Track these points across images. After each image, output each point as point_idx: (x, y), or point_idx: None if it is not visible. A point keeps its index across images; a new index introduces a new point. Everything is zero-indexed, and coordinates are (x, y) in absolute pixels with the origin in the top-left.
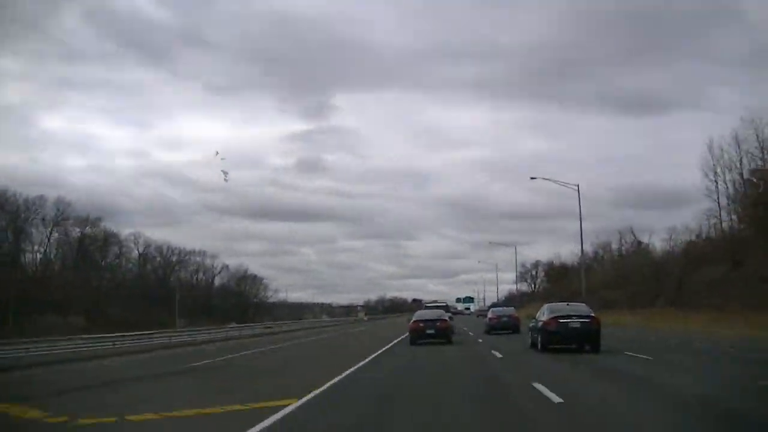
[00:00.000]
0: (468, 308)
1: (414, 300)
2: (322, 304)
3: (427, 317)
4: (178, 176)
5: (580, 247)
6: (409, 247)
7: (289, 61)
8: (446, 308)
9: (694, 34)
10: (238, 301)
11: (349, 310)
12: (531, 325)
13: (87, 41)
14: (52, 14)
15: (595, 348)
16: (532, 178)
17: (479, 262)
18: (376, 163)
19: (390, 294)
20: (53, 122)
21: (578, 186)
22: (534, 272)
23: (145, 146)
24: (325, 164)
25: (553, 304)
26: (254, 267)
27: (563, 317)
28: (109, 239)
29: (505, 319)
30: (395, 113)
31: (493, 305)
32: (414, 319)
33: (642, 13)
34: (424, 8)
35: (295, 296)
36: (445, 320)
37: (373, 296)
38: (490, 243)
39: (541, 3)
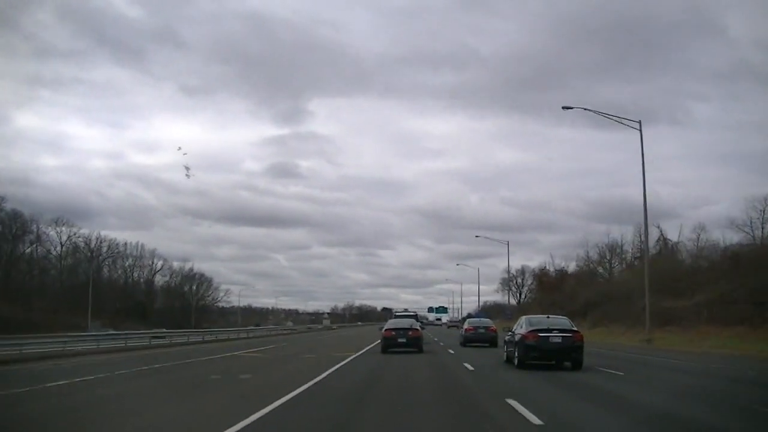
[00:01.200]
0: (439, 319)
1: (384, 309)
2: (289, 310)
3: (400, 326)
4: (152, 179)
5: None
6: (382, 256)
7: (264, 63)
8: (416, 317)
9: (673, 48)
10: (181, 303)
11: (314, 317)
12: (507, 338)
13: (60, 38)
14: (25, 9)
15: (577, 365)
16: (565, 108)
17: (458, 264)
18: (351, 171)
19: (360, 302)
20: (24, 120)
21: (640, 122)
22: (520, 280)
23: (118, 147)
24: (300, 170)
25: (532, 316)
26: (226, 271)
27: (543, 330)
28: (25, 226)
29: (481, 330)
30: (371, 120)
31: (468, 316)
32: (386, 327)
33: (621, 25)
34: (401, 14)
35: (268, 302)
36: (417, 329)
37: (343, 304)
38: (477, 237)
39: (519, 12)
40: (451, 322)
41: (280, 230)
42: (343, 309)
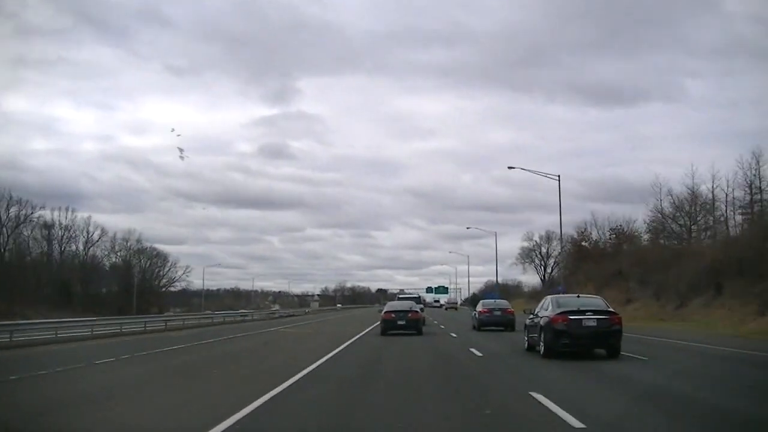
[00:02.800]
0: (437, 300)
1: (379, 290)
2: (278, 292)
3: (399, 308)
4: (142, 161)
5: None
6: (376, 237)
7: (251, 41)
8: (417, 300)
9: (668, 23)
10: (125, 284)
11: (302, 299)
12: (528, 322)
13: (42, 16)
14: None
15: (614, 353)
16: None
17: (468, 228)
18: (343, 151)
19: (353, 283)
20: (10, 102)
21: None
22: (545, 249)
23: (108, 129)
24: (291, 151)
25: (560, 296)
26: (220, 254)
27: (574, 312)
28: None
29: (497, 313)
30: (361, 99)
31: (474, 297)
32: (386, 309)
33: (615, 1)
34: None
35: (263, 284)
36: (416, 312)
37: (334, 285)
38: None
39: None
40: (448, 303)
41: (274, 212)
42: (335, 290)
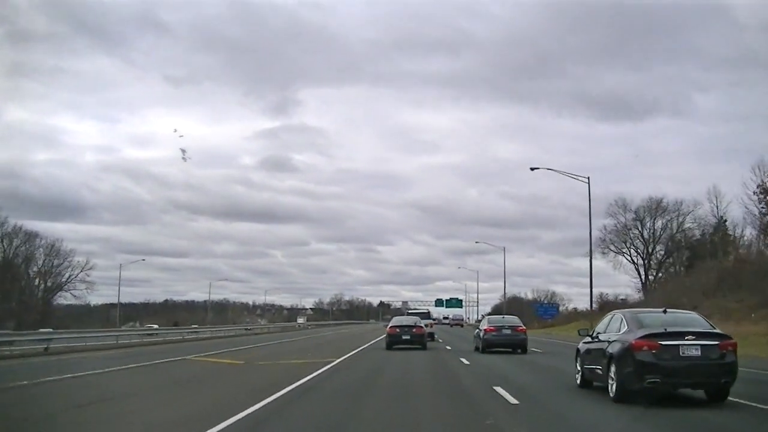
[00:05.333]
0: (447, 317)
1: (381, 303)
2: (265, 304)
3: (404, 323)
4: (144, 173)
5: None
6: (382, 251)
7: (250, 50)
8: (427, 315)
9: (678, 33)
10: None
11: (292, 312)
12: (583, 346)
13: (37, 23)
14: None
15: (722, 395)
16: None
17: (477, 242)
18: (346, 164)
19: (352, 295)
20: (7, 112)
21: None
22: (648, 229)
23: (108, 141)
24: (294, 163)
25: (637, 310)
26: (225, 268)
27: (667, 336)
28: None
29: (506, 331)
30: (363, 111)
31: (489, 313)
32: (391, 324)
33: (623, 8)
34: None
35: (269, 298)
36: (421, 327)
37: (333, 298)
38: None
39: None
40: (453, 319)
41: (278, 226)
42: (329, 303)
